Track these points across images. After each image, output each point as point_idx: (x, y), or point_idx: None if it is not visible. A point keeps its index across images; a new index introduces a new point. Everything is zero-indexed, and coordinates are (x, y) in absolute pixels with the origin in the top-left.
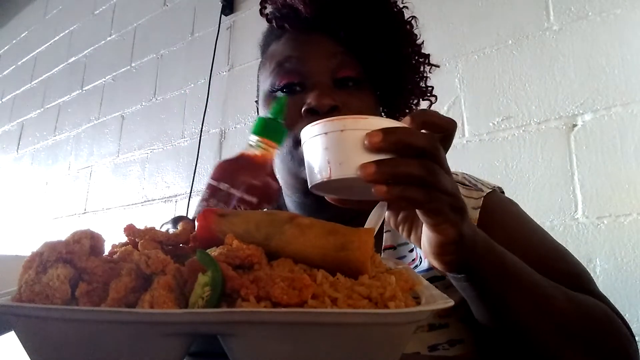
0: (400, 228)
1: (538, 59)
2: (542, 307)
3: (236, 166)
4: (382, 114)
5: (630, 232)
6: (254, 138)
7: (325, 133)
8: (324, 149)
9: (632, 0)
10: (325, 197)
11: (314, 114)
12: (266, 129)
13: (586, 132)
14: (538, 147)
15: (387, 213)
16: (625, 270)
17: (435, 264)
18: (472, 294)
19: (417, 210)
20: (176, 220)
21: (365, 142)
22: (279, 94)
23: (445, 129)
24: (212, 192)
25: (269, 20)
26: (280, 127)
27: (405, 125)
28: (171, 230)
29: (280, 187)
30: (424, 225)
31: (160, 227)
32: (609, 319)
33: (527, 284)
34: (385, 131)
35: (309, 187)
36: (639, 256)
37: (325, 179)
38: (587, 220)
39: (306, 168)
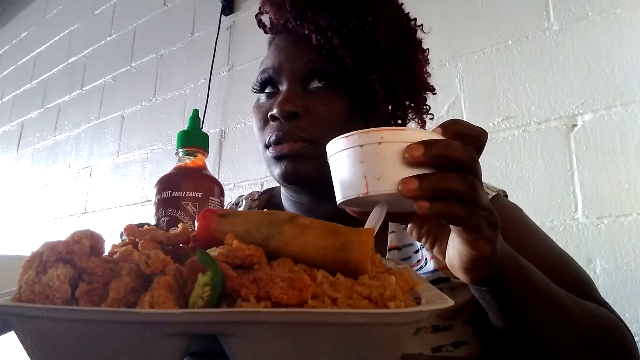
0: (423, 240)
1: (538, 59)
2: (560, 317)
3: (170, 177)
4: (363, 119)
5: (630, 232)
6: (180, 151)
7: (361, 145)
8: (359, 162)
9: (632, 0)
10: (347, 210)
11: (275, 120)
12: (187, 138)
13: (586, 132)
14: (538, 147)
15: (409, 225)
16: (625, 270)
17: (463, 277)
18: (495, 306)
19: (452, 226)
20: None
21: (406, 155)
22: (260, 100)
23: (477, 140)
24: (157, 206)
25: (259, 26)
26: (198, 132)
27: (444, 138)
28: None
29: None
30: (455, 240)
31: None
32: (618, 328)
33: (546, 295)
34: (426, 144)
35: (339, 202)
36: (639, 256)
37: (361, 195)
38: (587, 220)
39: (335, 182)
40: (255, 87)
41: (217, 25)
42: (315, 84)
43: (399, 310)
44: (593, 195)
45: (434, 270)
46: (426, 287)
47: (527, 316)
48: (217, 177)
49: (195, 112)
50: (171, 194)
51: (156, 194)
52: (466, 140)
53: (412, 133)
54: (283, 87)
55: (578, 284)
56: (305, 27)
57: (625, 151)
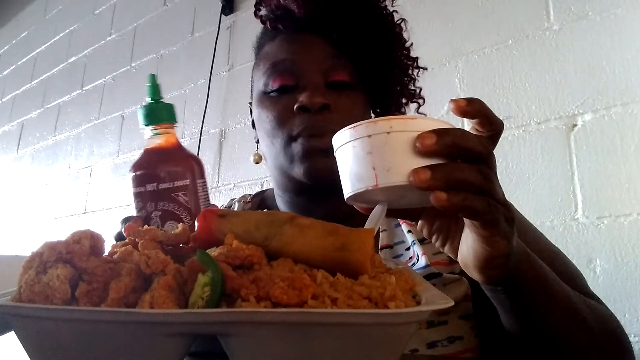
0: (434, 237)
1: (538, 59)
2: (573, 319)
3: (149, 164)
4: (373, 114)
5: (630, 232)
6: (148, 130)
7: (369, 136)
8: (367, 153)
9: (632, 0)
10: (355, 207)
11: (305, 112)
12: (154, 114)
13: (586, 132)
14: (538, 147)
15: (420, 222)
16: (625, 270)
17: (477, 276)
18: (509, 306)
19: (469, 221)
20: (126, 220)
21: (417, 144)
22: (273, 94)
23: (496, 125)
24: (143, 198)
25: (263, 22)
26: (164, 105)
27: (456, 127)
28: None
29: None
30: (470, 236)
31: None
32: (616, 322)
33: (560, 296)
34: (439, 132)
35: (347, 197)
36: (639, 256)
37: (370, 188)
38: (587, 220)
39: (343, 176)
40: (270, 80)
41: (217, 25)
42: (337, 81)
43: (399, 310)
44: (593, 195)
45: (426, 266)
46: (426, 287)
47: (542, 318)
48: (217, 177)
49: (152, 77)
50: (158, 186)
51: (138, 185)
52: (484, 122)
53: (422, 122)
54: (305, 83)
55: (571, 277)
56: (330, 23)
57: (625, 151)
